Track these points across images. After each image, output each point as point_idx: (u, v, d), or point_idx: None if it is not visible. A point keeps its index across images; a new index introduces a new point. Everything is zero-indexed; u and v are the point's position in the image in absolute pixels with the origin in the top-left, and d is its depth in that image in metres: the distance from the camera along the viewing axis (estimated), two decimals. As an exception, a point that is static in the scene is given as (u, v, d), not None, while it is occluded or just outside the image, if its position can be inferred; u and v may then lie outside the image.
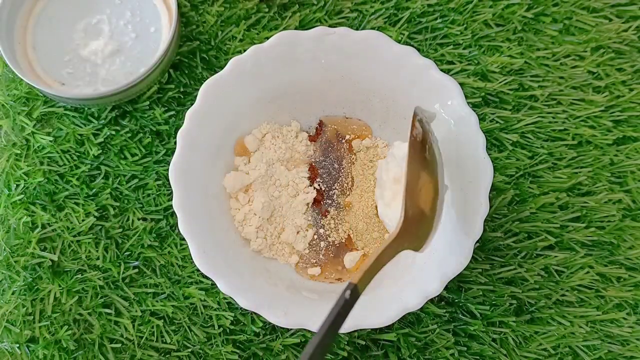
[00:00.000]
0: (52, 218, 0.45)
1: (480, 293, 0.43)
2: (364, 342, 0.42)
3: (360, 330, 0.42)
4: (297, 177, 0.44)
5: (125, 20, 0.47)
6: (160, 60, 0.44)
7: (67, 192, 0.45)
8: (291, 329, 0.42)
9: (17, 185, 0.45)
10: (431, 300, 0.41)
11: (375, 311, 0.38)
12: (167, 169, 0.42)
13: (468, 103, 0.41)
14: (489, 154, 0.40)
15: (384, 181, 0.44)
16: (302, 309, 0.38)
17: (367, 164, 0.45)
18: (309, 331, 0.42)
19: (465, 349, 0.42)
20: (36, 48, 0.47)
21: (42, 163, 0.46)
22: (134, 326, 0.43)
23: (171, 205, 0.44)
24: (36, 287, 0.43)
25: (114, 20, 0.47)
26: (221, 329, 0.43)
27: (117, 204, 0.45)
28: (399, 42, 0.47)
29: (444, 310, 0.43)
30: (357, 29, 0.47)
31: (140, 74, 0.44)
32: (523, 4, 0.50)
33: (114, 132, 0.46)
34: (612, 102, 0.48)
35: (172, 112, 0.47)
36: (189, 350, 0.42)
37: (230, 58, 0.42)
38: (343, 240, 0.44)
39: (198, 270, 0.41)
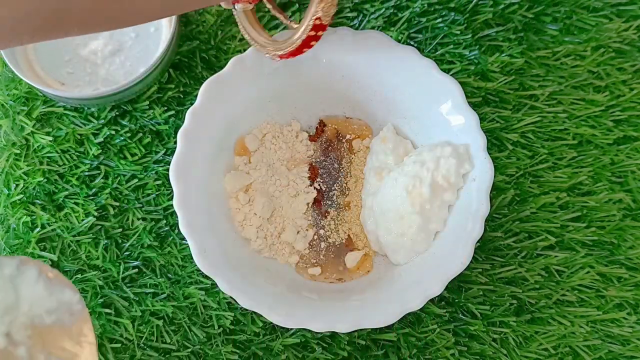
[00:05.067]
0: (51, 218, 0.45)
1: (481, 293, 0.43)
2: (364, 342, 0.42)
3: (361, 330, 0.42)
4: (298, 177, 0.44)
5: None
6: (160, 59, 0.44)
7: (67, 192, 0.45)
8: (291, 329, 0.42)
9: (17, 185, 0.45)
10: (431, 300, 0.41)
11: (375, 311, 0.38)
12: (167, 169, 0.42)
13: (468, 103, 0.41)
14: (489, 154, 0.40)
15: (368, 180, 0.44)
16: (302, 309, 0.38)
17: (367, 163, 0.46)
18: (309, 331, 0.42)
19: (465, 348, 0.42)
20: (36, 48, 0.46)
21: (41, 163, 0.46)
22: (133, 326, 0.43)
23: (171, 205, 0.44)
24: (36, 287, 0.43)
25: None
26: (221, 329, 0.43)
27: (117, 203, 0.45)
28: (399, 41, 0.47)
29: (444, 310, 0.43)
30: (357, 29, 0.47)
31: (140, 73, 0.44)
32: (523, 4, 0.50)
33: (113, 132, 0.46)
34: (613, 102, 0.48)
35: (172, 112, 0.47)
36: (189, 350, 0.42)
37: (230, 57, 0.42)
38: (343, 241, 0.44)
39: (198, 270, 0.41)
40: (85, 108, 0.47)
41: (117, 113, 0.47)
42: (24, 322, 0.28)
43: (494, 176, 0.40)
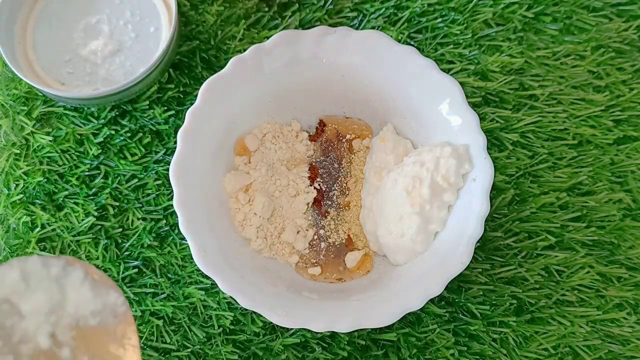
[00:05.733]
0: (51, 218, 0.45)
1: (481, 293, 0.43)
2: (364, 342, 0.42)
3: (361, 330, 0.42)
4: (298, 177, 0.44)
5: (125, 20, 0.47)
6: (160, 59, 0.44)
7: (67, 191, 0.45)
8: (291, 329, 0.42)
9: (17, 185, 0.45)
10: (431, 300, 0.41)
11: (375, 311, 0.38)
12: (167, 169, 0.42)
13: (468, 103, 0.41)
14: (489, 154, 0.40)
15: (367, 180, 0.44)
16: (302, 309, 0.38)
17: (367, 163, 0.45)
18: (309, 331, 0.42)
19: (465, 348, 0.42)
20: (36, 48, 0.46)
21: (41, 163, 0.46)
22: (133, 326, 0.43)
23: (171, 205, 0.44)
24: (36, 287, 0.43)
25: (113, 19, 0.47)
26: (221, 329, 0.43)
27: (117, 203, 0.45)
28: (399, 41, 0.47)
29: (444, 310, 0.43)
30: (357, 29, 0.47)
31: (140, 73, 0.44)
32: (523, 4, 0.50)
33: (113, 132, 0.46)
34: (613, 102, 0.48)
35: (172, 112, 0.47)
36: (189, 350, 0.42)
37: (230, 57, 0.42)
38: (343, 241, 0.44)
39: (198, 270, 0.41)
40: (85, 108, 0.47)
41: (117, 113, 0.47)
42: (69, 323, 0.28)
43: (494, 176, 0.40)
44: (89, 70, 0.46)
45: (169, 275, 0.44)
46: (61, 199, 0.45)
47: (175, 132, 0.46)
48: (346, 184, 0.45)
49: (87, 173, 0.46)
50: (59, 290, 0.28)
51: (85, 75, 0.46)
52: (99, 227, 0.45)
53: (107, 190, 0.45)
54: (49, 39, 0.47)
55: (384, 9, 0.50)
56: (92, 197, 0.45)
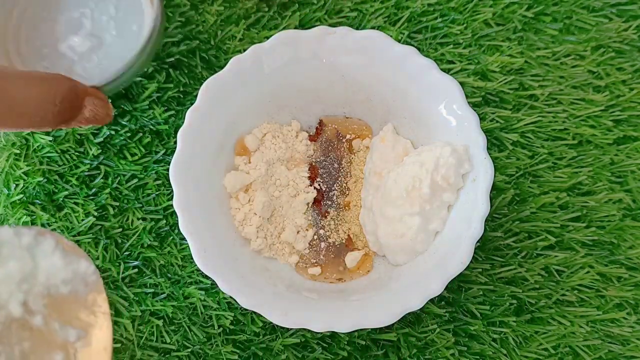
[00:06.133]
0: (51, 218, 0.45)
1: (481, 293, 0.43)
2: (364, 342, 0.42)
3: (361, 330, 0.42)
4: (298, 177, 0.44)
5: (108, 16, 0.46)
6: (136, 59, 0.41)
7: (67, 191, 0.45)
8: (291, 329, 0.42)
9: (17, 185, 0.45)
10: (431, 300, 0.41)
11: (375, 311, 0.38)
12: (167, 169, 0.42)
13: (468, 103, 0.41)
14: (489, 154, 0.40)
15: (367, 180, 0.44)
16: (302, 309, 0.38)
17: (367, 163, 0.45)
18: (309, 331, 0.42)
19: (465, 348, 0.42)
20: (18, 39, 0.44)
21: (41, 163, 0.46)
22: (133, 326, 0.43)
23: (171, 205, 0.44)
24: (36, 287, 0.43)
25: (96, 14, 0.45)
26: (221, 329, 0.43)
27: (117, 203, 0.45)
28: (399, 41, 0.47)
29: (444, 310, 0.43)
30: (357, 29, 0.47)
31: (112, 73, 0.41)
32: (523, 3, 0.50)
33: (113, 132, 0.46)
34: (613, 102, 0.48)
35: (172, 112, 0.47)
36: (189, 350, 0.42)
37: (230, 57, 0.42)
38: (343, 241, 0.44)
39: (198, 270, 0.41)
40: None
41: (117, 113, 0.47)
42: (41, 291, 0.28)
43: (494, 176, 0.40)
44: (65, 66, 0.44)
45: (169, 275, 0.44)
46: (61, 199, 0.45)
47: (175, 132, 0.46)
48: (346, 184, 0.45)
49: (87, 173, 0.46)
50: (31, 259, 0.28)
51: (61, 71, 0.43)
52: (99, 227, 0.45)
53: (107, 190, 0.45)
54: (33, 30, 0.45)
55: (384, 9, 0.50)
56: (92, 197, 0.45)
